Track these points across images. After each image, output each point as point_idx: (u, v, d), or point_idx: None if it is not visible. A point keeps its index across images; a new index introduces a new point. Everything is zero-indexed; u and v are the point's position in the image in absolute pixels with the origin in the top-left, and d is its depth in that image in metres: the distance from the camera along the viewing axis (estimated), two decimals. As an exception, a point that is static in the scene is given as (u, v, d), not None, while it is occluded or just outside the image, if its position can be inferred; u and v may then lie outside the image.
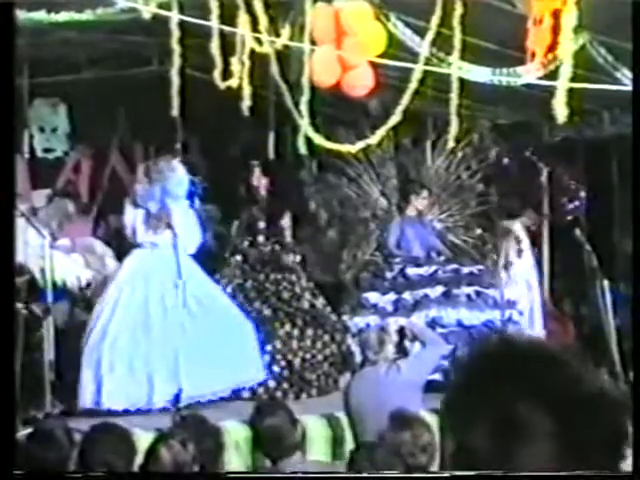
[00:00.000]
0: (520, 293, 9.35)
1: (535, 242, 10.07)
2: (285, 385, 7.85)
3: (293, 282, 8.35)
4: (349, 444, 5.93)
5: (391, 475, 3.87)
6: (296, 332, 8.06)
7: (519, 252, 9.55)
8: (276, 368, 7.82)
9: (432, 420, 4.95)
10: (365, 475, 2.93)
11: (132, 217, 7.43)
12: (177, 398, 6.64)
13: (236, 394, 7.37)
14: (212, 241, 9.25)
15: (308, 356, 8.01)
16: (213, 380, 6.95)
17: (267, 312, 8.08)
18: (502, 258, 9.55)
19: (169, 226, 7.22)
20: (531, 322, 9.30)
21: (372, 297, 8.70)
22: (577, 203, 9.56)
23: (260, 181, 8.59)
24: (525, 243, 9.60)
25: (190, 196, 7.57)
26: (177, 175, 7.45)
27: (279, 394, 7.72)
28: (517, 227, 9.65)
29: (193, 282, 7.13)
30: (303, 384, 7.92)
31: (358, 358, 7.30)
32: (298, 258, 8.68)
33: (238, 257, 8.43)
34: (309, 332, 8.09)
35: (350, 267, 9.27)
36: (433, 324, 8.27)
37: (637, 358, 4.35)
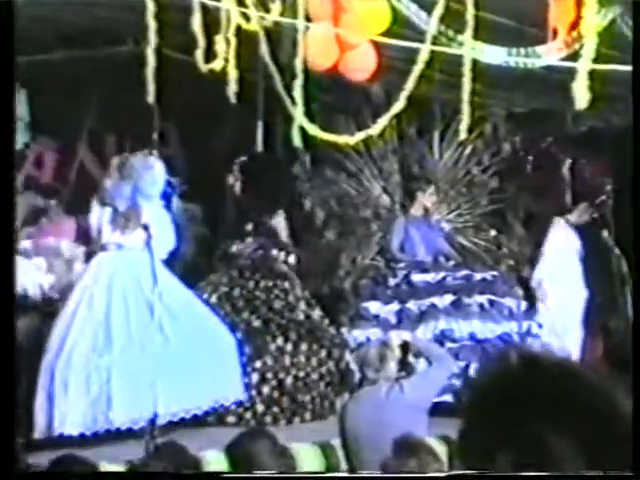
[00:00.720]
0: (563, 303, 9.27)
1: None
2: (275, 409, 7.81)
3: (287, 290, 8.35)
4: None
5: (392, 475, 3.97)
6: (289, 347, 8.01)
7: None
8: (266, 389, 7.78)
9: (440, 448, 4.96)
10: (365, 475, 2.72)
11: (98, 216, 7.45)
12: (151, 420, 6.65)
13: (220, 420, 7.41)
14: (194, 244, 9.31)
15: (302, 374, 7.96)
16: (186, 397, 6.94)
17: (257, 324, 8.09)
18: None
19: (139, 227, 7.23)
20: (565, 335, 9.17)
21: (373, 307, 8.73)
22: (603, 199, 9.43)
23: (238, 180, 8.64)
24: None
25: (165, 196, 7.59)
26: (153, 173, 7.45)
27: (268, 419, 7.68)
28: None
29: (164, 290, 7.11)
30: (295, 407, 7.87)
31: (357, 377, 7.25)
32: (293, 262, 8.66)
33: (225, 262, 8.49)
34: (303, 347, 8.05)
35: (348, 273, 9.28)
36: (442, 338, 8.33)
37: (637, 358, 4.38)
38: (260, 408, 7.75)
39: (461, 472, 1.41)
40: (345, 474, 3.09)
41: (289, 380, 7.90)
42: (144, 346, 6.94)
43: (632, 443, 1.37)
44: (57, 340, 7.09)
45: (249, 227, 8.58)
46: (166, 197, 7.61)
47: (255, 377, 7.80)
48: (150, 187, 7.41)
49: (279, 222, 8.81)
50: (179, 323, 7.16)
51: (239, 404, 7.50)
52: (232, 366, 7.33)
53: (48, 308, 7.62)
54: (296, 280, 8.51)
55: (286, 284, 8.39)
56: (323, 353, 8.15)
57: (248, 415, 7.69)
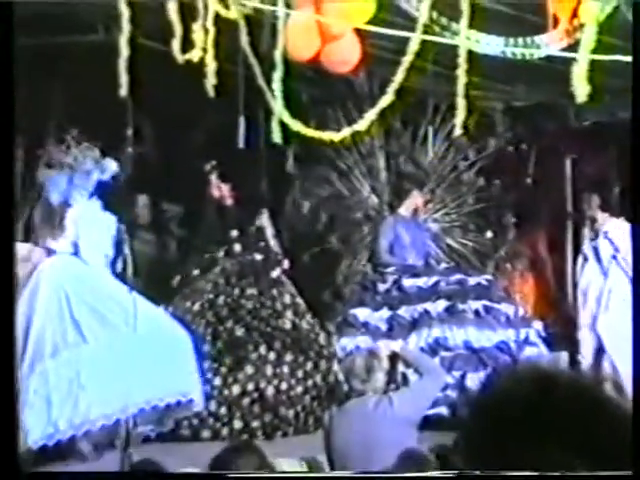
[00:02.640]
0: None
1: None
2: (255, 424, 7.80)
3: (274, 297, 8.42)
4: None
5: (391, 475, 4.09)
6: (272, 356, 8.03)
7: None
8: (245, 400, 7.80)
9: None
10: (364, 475, 3.08)
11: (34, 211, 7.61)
12: (126, 435, 6.67)
13: (195, 436, 7.49)
14: (173, 246, 9.39)
15: (284, 387, 7.95)
16: (138, 393, 6.96)
17: (239, 333, 8.14)
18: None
19: (67, 226, 7.40)
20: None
21: (362, 314, 8.74)
22: (611, 201, 9.47)
23: (219, 187, 8.76)
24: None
25: (102, 194, 7.61)
26: (86, 163, 7.57)
27: (245, 436, 7.69)
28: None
29: (104, 294, 7.28)
30: (278, 422, 7.88)
31: (344, 388, 7.27)
32: (286, 266, 8.76)
33: (209, 267, 8.56)
34: (288, 358, 8.05)
35: (337, 280, 9.44)
36: (436, 346, 8.39)
37: (637, 358, 4.39)
38: (238, 424, 7.76)
39: (460, 472, 1.42)
40: (345, 474, 3.07)
41: (270, 392, 7.89)
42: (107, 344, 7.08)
43: (632, 443, 1.39)
44: (29, 343, 7.11)
45: (234, 232, 8.65)
46: (102, 195, 7.62)
47: (235, 389, 7.82)
48: (83, 179, 7.52)
49: (264, 222, 8.86)
50: (130, 323, 7.19)
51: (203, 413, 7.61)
52: (187, 364, 7.36)
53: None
54: (286, 286, 8.55)
55: (274, 291, 8.43)
56: (309, 365, 8.16)
57: (225, 431, 7.71)
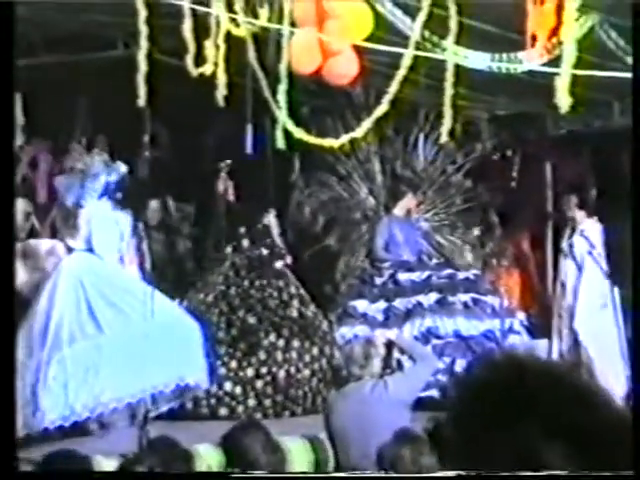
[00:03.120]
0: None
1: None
2: (267, 403, 7.90)
3: (281, 288, 8.45)
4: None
5: (391, 475, 3.96)
6: (281, 343, 8.12)
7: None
8: (259, 383, 7.89)
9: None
10: (364, 475, 2.91)
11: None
12: (144, 414, 6.76)
13: (212, 414, 7.53)
14: (188, 243, 9.37)
15: (293, 370, 8.07)
16: (150, 378, 7.03)
17: (251, 321, 8.20)
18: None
19: (80, 225, 7.42)
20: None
21: (360, 305, 8.78)
22: (587, 202, 9.55)
23: (227, 185, 8.76)
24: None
25: (111, 195, 7.70)
26: (96, 167, 7.66)
27: (259, 415, 7.76)
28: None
29: (127, 286, 7.32)
30: (287, 402, 7.98)
31: (344, 373, 7.32)
32: (289, 261, 8.79)
33: (220, 262, 8.61)
34: (295, 344, 8.15)
35: (338, 275, 9.38)
36: (428, 335, 8.41)
37: (637, 358, 4.34)
38: (251, 402, 7.84)
39: (461, 472, 1.36)
40: (344, 474, 3.01)
41: (282, 375, 8.00)
42: (120, 334, 7.11)
43: (632, 443, 1.34)
44: (36, 337, 7.17)
45: (242, 230, 8.70)
46: (112, 196, 7.68)
47: (250, 372, 7.91)
48: (93, 182, 7.58)
49: (271, 221, 8.92)
50: (143, 314, 7.24)
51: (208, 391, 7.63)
52: (195, 350, 7.39)
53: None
54: (291, 278, 8.60)
55: (280, 282, 8.49)
56: (315, 350, 8.23)
57: (240, 409, 7.79)
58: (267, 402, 7.95)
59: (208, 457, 5.83)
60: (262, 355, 8.04)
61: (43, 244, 8.23)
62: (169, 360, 7.11)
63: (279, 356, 8.08)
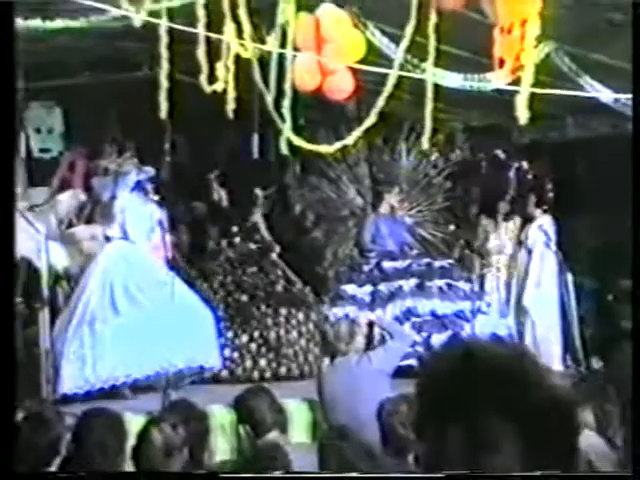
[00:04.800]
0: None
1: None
2: (262, 362, 8.02)
3: (268, 272, 8.57)
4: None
5: (391, 475, 3.70)
6: (270, 311, 8.25)
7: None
8: (253, 345, 8.03)
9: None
10: (364, 475, 2.79)
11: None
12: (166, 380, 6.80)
13: (215, 377, 7.59)
14: (202, 239, 9.35)
15: (282, 332, 8.19)
16: (168, 357, 7.05)
17: (244, 299, 8.31)
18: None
19: (115, 217, 7.46)
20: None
21: (350, 289, 8.82)
22: (545, 200, 9.64)
23: (219, 193, 8.86)
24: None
25: (142, 189, 7.74)
26: (127, 168, 7.72)
27: (256, 374, 7.90)
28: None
29: (146, 273, 7.35)
30: (280, 359, 8.07)
31: (334, 346, 7.37)
32: (275, 253, 8.81)
33: (219, 257, 8.70)
34: (283, 311, 8.28)
35: (331, 262, 9.35)
36: (408, 314, 8.44)
37: (637, 359, 4.32)
38: (249, 364, 7.95)
39: (461, 472, 1.29)
40: (345, 474, 3.06)
41: (272, 336, 8.11)
42: (142, 315, 7.14)
43: (632, 444, 1.35)
44: (77, 310, 7.24)
45: (235, 228, 8.82)
46: (143, 189, 7.71)
47: (244, 338, 8.04)
48: (126, 181, 7.65)
49: (259, 219, 9.00)
50: (165, 298, 7.27)
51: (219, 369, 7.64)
52: (209, 335, 7.44)
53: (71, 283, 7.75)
54: (279, 264, 8.68)
55: (269, 268, 8.60)
56: (301, 315, 8.36)
57: (239, 371, 7.89)
58: (262, 362, 8.05)
59: (220, 416, 5.88)
60: (254, 323, 8.17)
61: (81, 231, 8.34)
62: (184, 343, 7.12)
63: (269, 321, 8.19)
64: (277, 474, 3.25)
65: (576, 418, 1.36)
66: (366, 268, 8.97)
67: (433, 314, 8.59)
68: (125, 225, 7.55)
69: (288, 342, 8.19)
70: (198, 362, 7.33)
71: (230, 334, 8.16)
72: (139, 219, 7.66)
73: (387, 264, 8.94)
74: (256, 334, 8.15)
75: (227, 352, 8.03)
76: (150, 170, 7.96)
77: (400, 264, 8.95)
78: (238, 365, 8.01)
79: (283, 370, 8.09)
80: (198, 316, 7.46)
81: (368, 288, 8.76)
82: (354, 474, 2.82)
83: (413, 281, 8.77)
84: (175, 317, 7.20)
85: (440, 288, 8.80)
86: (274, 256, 8.76)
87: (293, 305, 8.39)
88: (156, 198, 7.91)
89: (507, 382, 1.31)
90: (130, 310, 7.23)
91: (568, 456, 1.33)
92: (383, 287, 8.72)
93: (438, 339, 8.23)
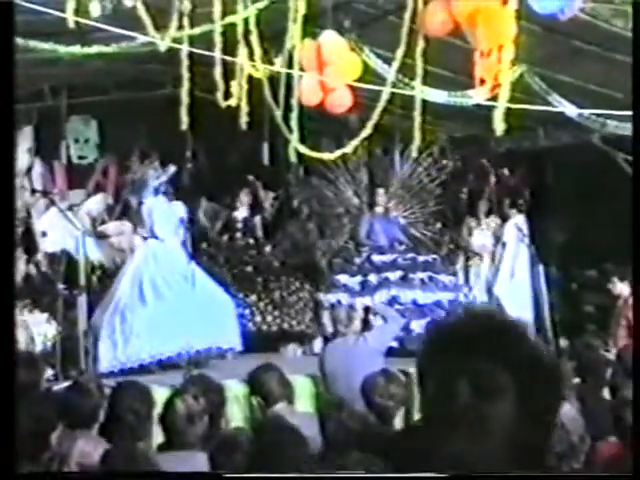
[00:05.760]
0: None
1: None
2: (269, 318, 8.31)
3: (269, 265, 8.75)
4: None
5: (392, 475, 3.71)
6: (272, 279, 8.63)
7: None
8: (261, 303, 8.33)
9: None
10: (364, 475, 2.65)
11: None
12: (188, 357, 6.93)
13: (230, 350, 7.66)
14: (216, 234, 9.41)
15: (285, 294, 8.52)
16: (196, 339, 7.14)
17: (247, 276, 8.60)
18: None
19: (144, 219, 7.50)
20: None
21: (342, 278, 8.87)
22: (520, 202, 9.73)
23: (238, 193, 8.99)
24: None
25: (165, 191, 7.78)
26: (150, 174, 7.75)
27: (265, 327, 8.14)
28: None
29: (174, 265, 7.38)
30: (284, 317, 8.35)
31: (329, 329, 7.53)
32: (268, 249, 8.98)
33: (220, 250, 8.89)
34: (283, 279, 8.69)
35: (325, 254, 9.37)
36: (393, 302, 8.44)
37: (637, 359, 4.32)
38: (258, 319, 8.21)
39: (463, 473, 1.25)
40: (345, 474, 3.03)
41: (276, 296, 8.44)
42: (166, 305, 7.17)
43: (632, 444, 1.36)
44: (112, 301, 7.31)
45: (239, 226, 9.02)
46: (165, 192, 7.76)
47: (253, 297, 8.29)
48: (149, 186, 7.68)
49: (257, 219, 9.20)
50: (188, 288, 7.33)
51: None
52: (231, 320, 7.50)
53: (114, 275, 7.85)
54: (276, 258, 8.88)
55: (265, 260, 8.81)
56: (297, 283, 8.65)
57: (250, 325, 8.14)
58: (269, 317, 8.25)
59: (235, 389, 5.85)
60: (259, 287, 8.41)
61: (110, 228, 8.41)
62: (207, 327, 7.16)
63: (272, 285, 8.47)
64: (277, 474, 3.10)
65: (560, 370, 1.38)
66: (358, 261, 8.99)
67: (414, 303, 8.59)
68: (153, 226, 7.58)
69: (290, 300, 8.46)
70: (219, 344, 7.34)
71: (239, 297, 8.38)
72: (165, 219, 7.67)
73: (376, 257, 8.95)
74: (263, 295, 8.45)
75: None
76: (171, 168, 7.93)
77: (388, 258, 8.94)
78: (249, 321, 8.23)
79: (285, 325, 8.35)
80: (218, 302, 7.49)
81: (358, 278, 8.78)
82: (354, 474, 2.68)
83: (398, 273, 8.77)
84: (197, 304, 7.22)
85: (422, 280, 8.80)
86: (270, 251, 8.98)
87: (292, 275, 8.69)
88: (178, 199, 7.96)
89: (503, 339, 1.31)
90: (156, 301, 7.27)
91: (555, 405, 1.33)
92: (372, 277, 8.74)
93: (418, 324, 8.23)
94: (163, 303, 7.24)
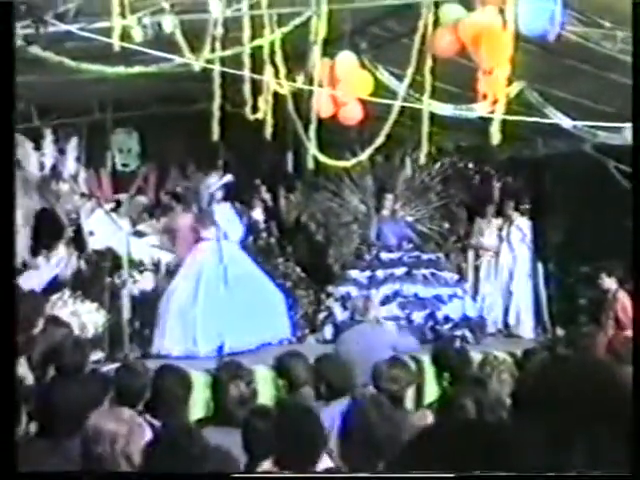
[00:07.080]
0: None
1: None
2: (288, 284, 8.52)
3: (288, 265, 8.93)
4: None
5: (392, 475, 3.72)
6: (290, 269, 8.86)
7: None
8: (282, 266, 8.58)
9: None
10: (365, 475, 2.58)
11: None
12: (220, 349, 6.94)
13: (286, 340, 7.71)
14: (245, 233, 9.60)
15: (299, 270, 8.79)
16: (249, 335, 7.16)
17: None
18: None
19: (213, 222, 7.58)
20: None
21: (353, 273, 8.96)
22: (522, 205, 9.76)
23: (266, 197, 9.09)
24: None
25: (228, 198, 7.93)
26: (206, 182, 7.83)
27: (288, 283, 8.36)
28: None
29: (234, 263, 7.40)
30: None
31: (340, 316, 7.72)
32: (290, 249, 9.12)
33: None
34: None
35: (337, 257, 9.53)
36: (396, 295, 8.51)
37: (636, 358, 4.37)
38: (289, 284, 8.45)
39: (465, 474, 1.19)
40: (345, 474, 2.89)
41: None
42: (219, 301, 7.20)
43: (632, 444, 1.21)
44: (166, 294, 7.42)
45: (262, 226, 9.11)
46: (228, 199, 7.86)
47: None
48: (215, 193, 7.79)
49: (259, 217, 9.25)
50: (245, 284, 7.39)
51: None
52: (281, 315, 7.53)
53: (157, 270, 7.91)
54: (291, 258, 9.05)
55: (281, 260, 8.96)
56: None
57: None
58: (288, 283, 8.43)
59: (263, 374, 5.77)
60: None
61: (148, 227, 8.50)
62: (257, 323, 7.19)
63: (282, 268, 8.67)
64: (278, 474, 3.01)
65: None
66: (367, 258, 9.04)
67: (416, 296, 8.59)
68: (219, 229, 7.58)
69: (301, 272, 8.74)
70: (270, 336, 7.33)
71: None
72: (230, 222, 7.76)
73: (384, 255, 8.99)
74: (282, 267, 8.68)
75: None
76: (228, 176, 8.02)
77: (394, 255, 8.97)
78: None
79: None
80: (271, 297, 7.54)
81: (367, 273, 8.82)
82: (354, 474, 2.60)
83: (403, 269, 8.80)
84: (250, 298, 7.24)
85: (424, 276, 8.80)
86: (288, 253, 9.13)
87: (299, 264, 8.92)
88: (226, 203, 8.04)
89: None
90: (206, 299, 7.29)
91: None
92: (379, 273, 8.77)
93: (418, 316, 8.34)
94: (213, 302, 7.24)
